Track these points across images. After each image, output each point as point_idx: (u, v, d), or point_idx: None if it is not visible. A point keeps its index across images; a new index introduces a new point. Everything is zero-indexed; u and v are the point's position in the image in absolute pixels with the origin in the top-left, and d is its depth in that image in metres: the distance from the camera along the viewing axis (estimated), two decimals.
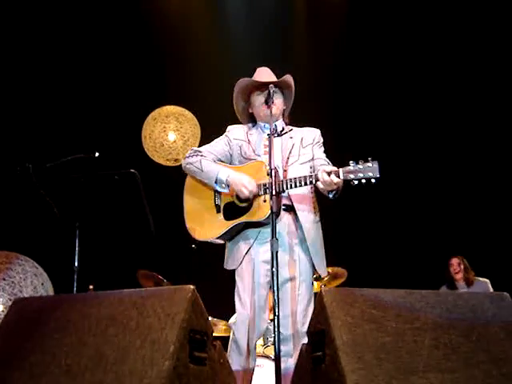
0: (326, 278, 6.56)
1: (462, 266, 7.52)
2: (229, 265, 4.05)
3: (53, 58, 8.03)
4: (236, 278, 4.00)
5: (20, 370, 2.67)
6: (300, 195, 3.99)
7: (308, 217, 3.99)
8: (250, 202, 3.95)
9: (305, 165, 4.05)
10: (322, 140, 4.26)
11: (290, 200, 3.95)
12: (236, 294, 3.97)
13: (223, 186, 4.00)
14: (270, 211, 3.71)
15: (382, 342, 2.61)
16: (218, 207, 4.07)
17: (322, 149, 4.23)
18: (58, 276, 5.90)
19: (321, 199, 4.08)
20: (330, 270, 6.58)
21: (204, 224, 4.08)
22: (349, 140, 8.10)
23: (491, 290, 7.34)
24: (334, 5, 8.63)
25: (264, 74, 4.22)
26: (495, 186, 8.30)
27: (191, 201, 4.18)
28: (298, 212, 3.94)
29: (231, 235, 4.04)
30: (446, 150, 8.43)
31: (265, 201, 3.85)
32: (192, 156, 4.13)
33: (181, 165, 4.25)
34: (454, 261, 7.57)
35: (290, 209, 3.96)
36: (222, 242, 4.14)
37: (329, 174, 3.66)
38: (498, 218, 8.23)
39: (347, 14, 8.59)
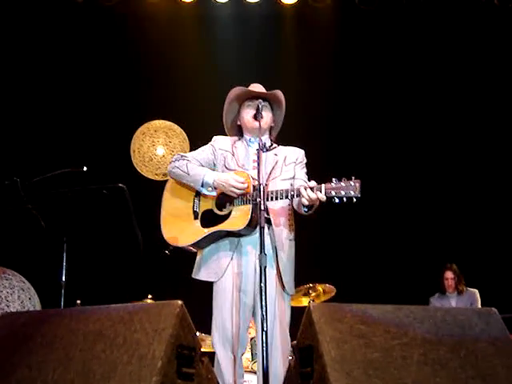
0: (313, 294, 6.57)
1: (456, 279, 7.57)
2: (203, 276, 4.00)
3: (42, 72, 8.04)
4: (215, 290, 3.96)
5: None
6: (278, 210, 4.01)
7: (282, 233, 3.99)
8: (229, 210, 3.93)
9: (285, 182, 4.05)
10: (305, 161, 4.28)
11: (268, 214, 3.92)
12: (216, 308, 3.94)
13: (210, 189, 3.99)
14: (248, 221, 3.77)
15: (371, 358, 2.61)
16: (195, 214, 4.04)
17: (305, 170, 4.24)
18: (46, 291, 5.86)
19: (306, 217, 4.07)
20: (320, 287, 6.61)
21: (179, 230, 4.04)
22: (335, 156, 8.13)
23: (479, 300, 7.53)
24: (323, 27, 8.66)
25: (256, 89, 4.23)
26: (482, 197, 8.35)
27: (169, 206, 4.16)
28: (273, 227, 3.94)
29: (206, 244, 4.00)
30: (433, 162, 8.48)
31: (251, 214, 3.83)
32: (178, 160, 4.12)
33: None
34: (449, 275, 7.62)
35: (267, 222, 3.92)
36: (195, 250, 4.10)
37: (311, 189, 3.67)
38: (486, 228, 8.26)
39: (335, 38, 8.62)
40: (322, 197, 3.63)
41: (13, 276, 5.85)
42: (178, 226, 4.06)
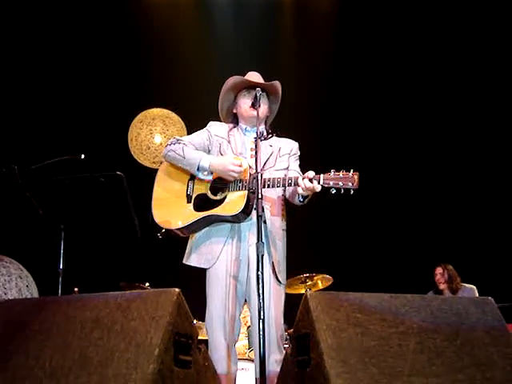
0: (309, 282, 6.60)
1: (446, 276, 7.54)
2: (194, 261, 4.00)
3: (39, 60, 8.02)
4: (208, 277, 3.96)
5: (3, 373, 2.66)
6: (272, 200, 4.02)
7: (276, 222, 4.00)
8: (224, 196, 3.92)
9: (279, 172, 4.05)
10: (298, 153, 4.28)
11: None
12: (209, 295, 3.94)
13: (205, 173, 3.98)
14: (243, 207, 3.77)
15: (367, 346, 2.62)
16: (189, 197, 4.02)
17: (298, 162, 4.24)
18: (43, 278, 5.86)
19: (298, 208, 4.07)
20: (317, 277, 6.64)
21: (171, 212, 4.02)
22: (334, 149, 8.13)
23: (477, 296, 7.38)
24: (322, 16, 8.64)
25: (254, 78, 4.22)
26: (480, 192, 8.35)
27: (161, 189, 4.13)
28: (267, 216, 3.95)
29: (198, 228, 3.99)
30: (430, 157, 8.49)
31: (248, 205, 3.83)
32: (174, 144, 4.10)
33: None
34: (438, 270, 7.61)
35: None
36: (184, 235, 4.07)
37: (310, 179, 3.67)
38: (485, 223, 8.28)
39: (334, 27, 8.61)
40: (318, 187, 3.64)
41: (10, 263, 5.85)
42: (170, 208, 4.04)
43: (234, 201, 3.86)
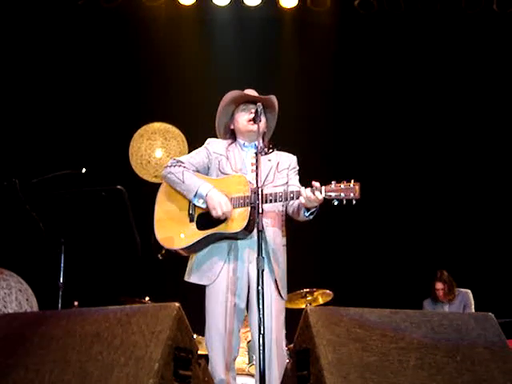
0: (310, 297, 6.59)
1: (446, 289, 7.58)
2: (195, 279, 3.98)
3: (41, 74, 8.03)
4: (208, 294, 3.94)
5: None
6: (273, 216, 4.01)
7: (276, 238, 3.99)
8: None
9: (278, 188, 3.99)
10: (297, 167, 4.26)
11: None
12: (209, 311, 3.93)
13: (201, 201, 3.95)
14: (246, 224, 3.75)
15: (367, 362, 2.61)
16: (191, 216, 3.99)
17: (297, 177, 4.22)
18: (43, 292, 5.86)
19: (301, 224, 4.07)
20: (317, 293, 6.64)
21: (174, 232, 4.00)
22: (334, 163, 8.15)
23: (472, 300, 7.53)
24: (322, 31, 8.66)
25: (251, 94, 4.23)
26: (476, 202, 8.36)
27: (163, 210, 4.11)
28: (268, 232, 3.94)
29: (202, 246, 3.97)
30: (429, 167, 8.50)
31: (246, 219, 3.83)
32: (174, 166, 4.07)
33: None
34: (439, 285, 7.63)
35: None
36: (186, 254, 4.06)
37: (312, 190, 3.67)
38: (481, 232, 8.28)
39: (335, 42, 8.62)
40: (321, 197, 3.63)
41: (10, 277, 5.85)
42: (173, 228, 4.02)
43: (236, 218, 3.84)
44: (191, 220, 3.99)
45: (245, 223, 3.79)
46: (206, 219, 3.95)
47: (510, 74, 8.36)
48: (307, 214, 3.85)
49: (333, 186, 3.63)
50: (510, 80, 8.35)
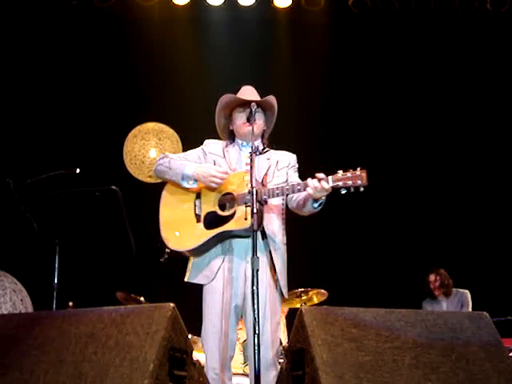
0: (304, 297, 6.58)
1: (438, 283, 7.57)
2: (194, 279, 3.97)
3: (36, 74, 8.02)
4: (205, 293, 3.94)
5: None
6: (273, 215, 4.00)
7: (277, 237, 3.99)
8: (234, 210, 3.87)
9: (279, 186, 4.02)
10: (297, 165, 4.25)
11: (263, 218, 3.91)
12: (206, 311, 3.92)
13: (190, 182, 3.96)
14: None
15: (362, 361, 2.61)
16: (198, 217, 3.98)
17: (297, 174, 4.21)
18: (38, 293, 5.85)
19: (298, 222, 4.06)
20: (312, 292, 6.62)
21: (182, 234, 3.98)
22: (333, 161, 8.12)
23: (470, 300, 7.50)
24: (316, 30, 8.67)
25: (248, 93, 4.20)
26: (474, 202, 8.37)
27: (168, 212, 4.10)
28: (269, 231, 3.94)
29: (211, 245, 3.94)
30: (425, 165, 8.50)
31: (245, 218, 3.80)
32: (162, 158, 4.11)
33: (162, 182, 4.23)
34: (431, 277, 7.62)
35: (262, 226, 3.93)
36: (193, 255, 4.02)
37: (318, 180, 3.65)
38: (479, 232, 8.28)
39: (329, 41, 8.63)
40: (328, 187, 3.61)
41: (5, 277, 5.84)
42: (180, 229, 4.00)
43: (244, 215, 3.79)
44: (198, 220, 3.97)
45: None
46: (213, 218, 3.93)
47: (504, 73, 8.38)
48: (316, 205, 3.81)
49: (340, 174, 3.62)
50: (504, 78, 8.36)
